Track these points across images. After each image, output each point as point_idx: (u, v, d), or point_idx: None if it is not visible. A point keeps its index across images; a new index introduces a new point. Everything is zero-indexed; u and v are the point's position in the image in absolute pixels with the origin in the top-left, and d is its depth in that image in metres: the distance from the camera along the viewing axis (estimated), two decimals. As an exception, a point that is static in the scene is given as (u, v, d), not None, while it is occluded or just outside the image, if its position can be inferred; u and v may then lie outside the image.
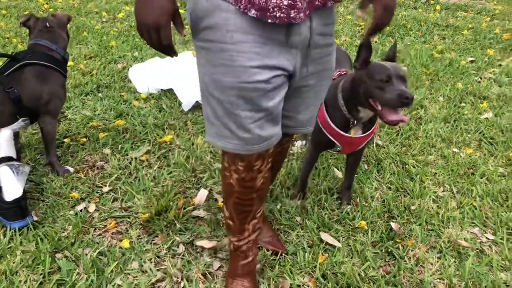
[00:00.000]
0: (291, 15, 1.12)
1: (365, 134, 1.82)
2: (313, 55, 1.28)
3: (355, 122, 1.76)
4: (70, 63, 3.40)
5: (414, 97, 1.54)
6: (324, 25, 1.26)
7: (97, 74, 3.29)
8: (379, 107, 1.62)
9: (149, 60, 3.43)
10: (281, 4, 1.10)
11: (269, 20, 1.12)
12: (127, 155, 2.39)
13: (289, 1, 1.10)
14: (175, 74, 3.15)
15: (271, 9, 1.11)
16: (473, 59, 3.91)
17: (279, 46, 1.19)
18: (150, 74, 3.17)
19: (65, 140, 2.48)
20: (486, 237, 1.95)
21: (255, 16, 1.12)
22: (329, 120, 1.79)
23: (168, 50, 1.16)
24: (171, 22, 1.12)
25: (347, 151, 1.91)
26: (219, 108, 1.24)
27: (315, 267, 1.75)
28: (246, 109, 1.22)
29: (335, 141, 1.83)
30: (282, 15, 1.11)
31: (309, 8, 1.15)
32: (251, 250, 1.60)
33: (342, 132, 1.78)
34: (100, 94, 3.03)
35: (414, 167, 2.40)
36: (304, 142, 2.57)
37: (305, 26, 1.20)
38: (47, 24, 2.21)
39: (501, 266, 1.80)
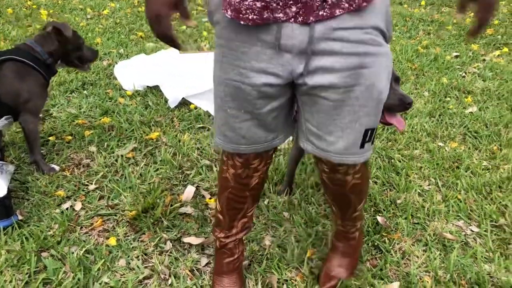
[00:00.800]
0: (264, 16, 1.07)
1: None
2: (327, 63, 1.11)
3: None
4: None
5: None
6: (342, 29, 1.09)
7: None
8: None
9: (134, 57, 3.40)
10: (253, 6, 1.07)
11: (242, 22, 1.10)
12: (113, 152, 2.38)
13: (262, 3, 1.06)
14: (161, 71, 3.14)
15: (244, 11, 1.08)
16: (457, 54, 3.95)
17: (270, 49, 1.12)
18: (135, 71, 3.16)
19: (50, 138, 2.46)
20: (471, 230, 1.98)
21: (230, 17, 1.11)
22: None
23: (169, 42, 1.17)
24: (177, 14, 1.14)
25: None
26: (215, 102, 1.29)
27: (302, 261, 1.75)
28: (234, 107, 1.23)
29: None
30: (255, 17, 1.08)
31: (303, 15, 1.06)
32: (238, 248, 1.60)
33: None
34: (85, 92, 3.00)
35: (399, 161, 2.42)
36: (290, 137, 2.57)
37: (301, 29, 1.08)
38: (46, 28, 2.18)
39: (485, 257, 1.83)
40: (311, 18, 1.07)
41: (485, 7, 1.12)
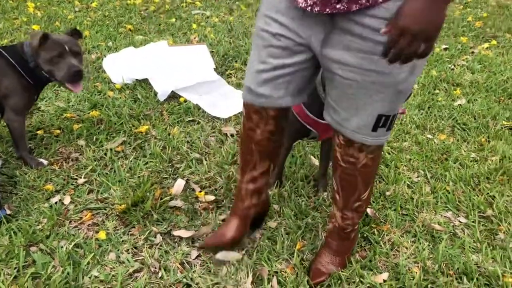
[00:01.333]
0: None
1: None
2: (345, 41, 1.18)
3: None
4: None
5: None
6: (365, 15, 1.12)
7: (70, 65, 3.22)
8: None
9: (123, 50, 3.38)
10: None
11: None
12: (102, 146, 2.36)
13: None
14: (150, 64, 3.12)
15: None
16: (446, 46, 3.97)
17: (296, 10, 1.23)
18: (124, 64, 3.13)
19: (39, 132, 2.43)
20: (459, 221, 2.00)
21: None
22: (305, 109, 1.80)
23: None
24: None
25: (323, 137, 1.92)
26: None
27: (292, 253, 1.76)
28: (254, 56, 1.37)
29: (312, 129, 1.84)
30: None
31: (320, 5, 1.13)
32: (248, 198, 1.67)
33: (319, 120, 1.79)
34: (73, 85, 2.97)
35: (389, 153, 2.43)
36: None
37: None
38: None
39: (472, 248, 1.85)
40: (327, 9, 1.12)
41: (399, 30, 1.05)
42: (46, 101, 2.75)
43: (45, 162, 2.19)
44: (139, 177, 2.14)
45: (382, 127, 1.30)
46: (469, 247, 1.84)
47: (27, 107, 2.14)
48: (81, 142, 2.37)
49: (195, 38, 3.82)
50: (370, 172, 1.48)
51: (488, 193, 2.15)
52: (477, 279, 1.68)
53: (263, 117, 1.48)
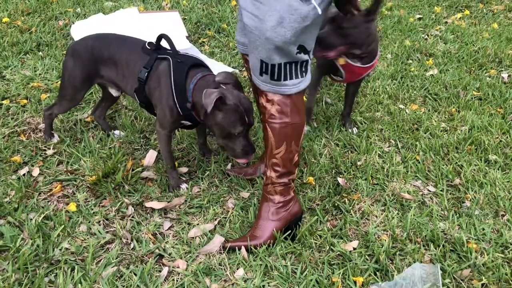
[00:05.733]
0: None
1: (366, 65, 2.10)
2: None
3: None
4: (5, 19, 3.19)
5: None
6: None
7: (36, 32, 3.10)
8: None
9: (92, 17, 3.26)
10: None
11: None
12: (71, 116, 2.30)
13: None
14: (120, 31, 3.03)
15: None
16: (421, 16, 3.97)
17: None
18: (93, 31, 3.02)
19: (4, 101, 2.35)
20: (428, 189, 2.04)
21: None
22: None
23: None
24: None
25: (349, 80, 2.20)
26: None
27: (264, 223, 1.77)
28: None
29: (340, 67, 2.11)
30: None
31: None
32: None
33: (348, 61, 2.07)
34: (40, 53, 2.87)
35: (361, 123, 2.45)
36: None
37: None
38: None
39: (440, 216, 1.90)
40: None
41: None
42: (11, 69, 2.65)
43: (184, 186, 1.94)
44: (110, 148, 2.10)
45: (265, 74, 1.49)
46: (437, 215, 1.89)
47: (171, 127, 1.88)
48: (49, 112, 2.31)
49: (166, 4, 3.72)
50: (279, 126, 1.58)
51: (456, 162, 2.20)
52: (443, 245, 1.74)
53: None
